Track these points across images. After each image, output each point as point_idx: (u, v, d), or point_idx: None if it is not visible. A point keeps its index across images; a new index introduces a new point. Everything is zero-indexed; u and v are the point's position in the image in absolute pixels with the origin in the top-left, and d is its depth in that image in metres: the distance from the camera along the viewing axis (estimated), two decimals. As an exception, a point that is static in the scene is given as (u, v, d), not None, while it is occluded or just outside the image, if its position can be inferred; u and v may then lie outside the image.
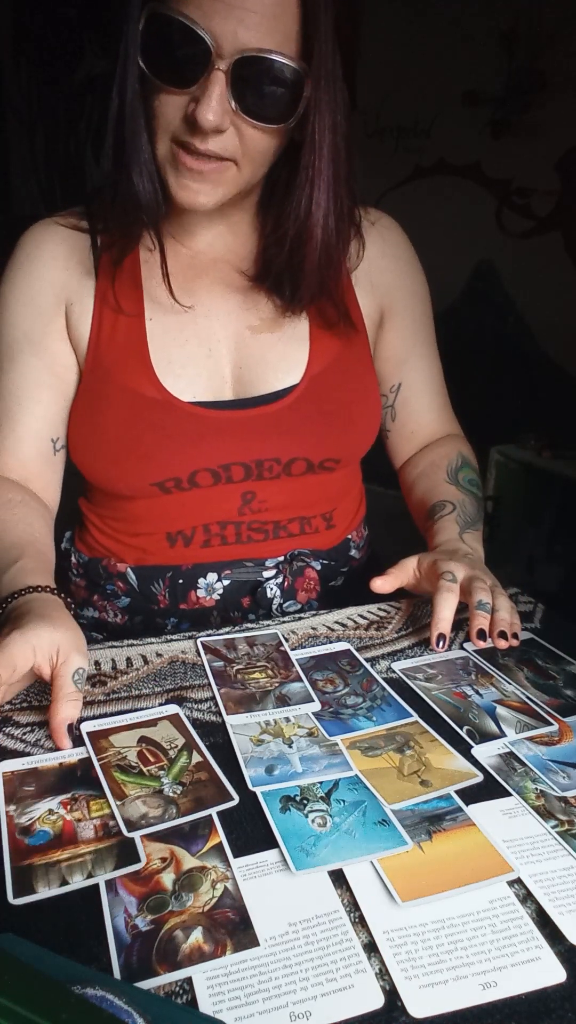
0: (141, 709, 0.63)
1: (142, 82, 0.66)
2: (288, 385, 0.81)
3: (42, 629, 0.59)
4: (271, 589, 0.86)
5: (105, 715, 0.62)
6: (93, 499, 0.90)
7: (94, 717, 0.62)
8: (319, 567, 0.89)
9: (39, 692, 0.65)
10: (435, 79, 2.54)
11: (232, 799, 0.52)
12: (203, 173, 0.67)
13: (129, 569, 0.87)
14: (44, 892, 0.45)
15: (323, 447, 0.83)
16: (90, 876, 0.46)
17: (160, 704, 0.64)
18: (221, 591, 0.86)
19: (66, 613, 0.64)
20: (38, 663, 0.58)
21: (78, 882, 0.46)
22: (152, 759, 0.57)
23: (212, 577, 0.85)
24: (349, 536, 0.93)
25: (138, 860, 0.47)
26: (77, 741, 0.58)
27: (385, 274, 0.87)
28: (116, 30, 0.66)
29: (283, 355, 0.82)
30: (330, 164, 0.70)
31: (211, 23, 0.61)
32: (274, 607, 0.87)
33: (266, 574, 0.86)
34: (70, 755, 0.56)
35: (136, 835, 0.49)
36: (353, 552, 0.94)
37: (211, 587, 0.86)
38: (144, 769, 0.56)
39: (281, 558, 0.87)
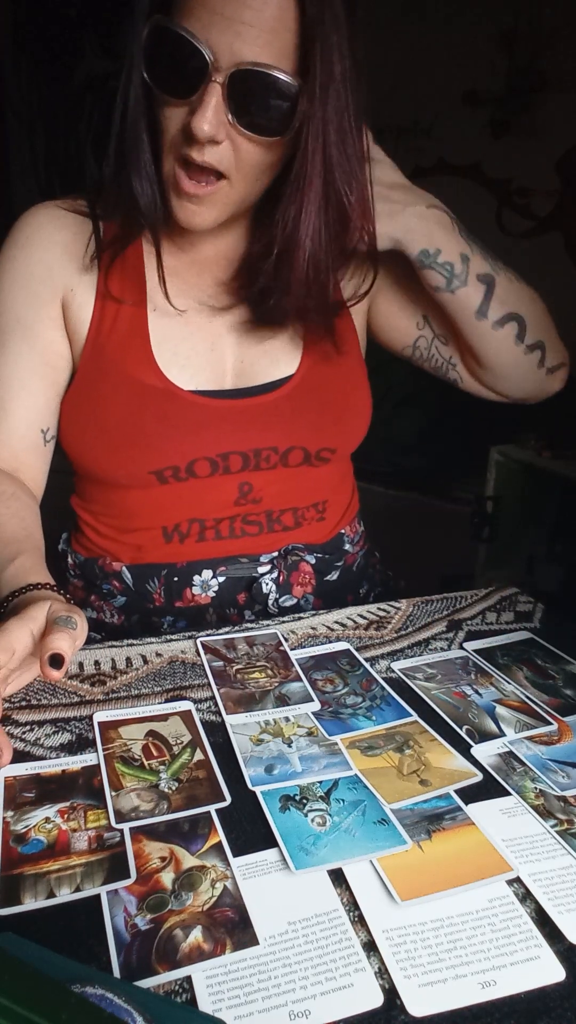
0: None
1: (145, 91, 0.69)
2: (285, 375, 0.83)
3: (38, 611, 0.59)
4: (266, 584, 0.86)
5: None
6: (85, 495, 0.90)
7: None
8: (313, 561, 0.90)
9: (39, 691, 0.65)
10: (435, 79, 2.54)
11: (224, 800, 0.52)
12: (200, 197, 0.70)
13: (124, 568, 0.88)
14: (30, 904, 0.44)
15: (320, 436, 0.84)
16: (78, 890, 0.45)
17: (159, 703, 0.64)
18: (216, 588, 0.86)
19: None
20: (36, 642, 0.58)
21: (64, 895, 0.45)
22: (156, 753, 0.57)
23: (207, 574, 0.86)
24: (343, 531, 0.94)
25: (128, 876, 0.46)
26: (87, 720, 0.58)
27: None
28: (118, 32, 0.67)
29: (281, 347, 0.84)
30: (321, 177, 0.70)
31: (209, 36, 0.62)
32: (270, 602, 0.87)
33: (261, 569, 0.87)
34: (73, 762, 0.56)
35: (125, 827, 0.49)
36: (347, 547, 0.95)
37: (206, 584, 0.86)
38: (145, 763, 0.56)
39: (275, 553, 0.88)
